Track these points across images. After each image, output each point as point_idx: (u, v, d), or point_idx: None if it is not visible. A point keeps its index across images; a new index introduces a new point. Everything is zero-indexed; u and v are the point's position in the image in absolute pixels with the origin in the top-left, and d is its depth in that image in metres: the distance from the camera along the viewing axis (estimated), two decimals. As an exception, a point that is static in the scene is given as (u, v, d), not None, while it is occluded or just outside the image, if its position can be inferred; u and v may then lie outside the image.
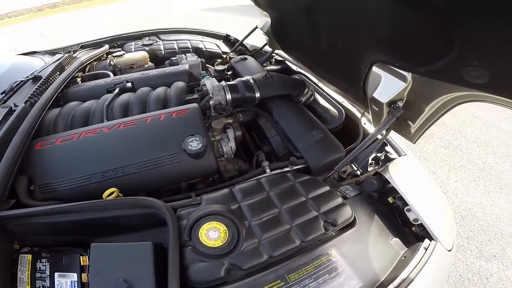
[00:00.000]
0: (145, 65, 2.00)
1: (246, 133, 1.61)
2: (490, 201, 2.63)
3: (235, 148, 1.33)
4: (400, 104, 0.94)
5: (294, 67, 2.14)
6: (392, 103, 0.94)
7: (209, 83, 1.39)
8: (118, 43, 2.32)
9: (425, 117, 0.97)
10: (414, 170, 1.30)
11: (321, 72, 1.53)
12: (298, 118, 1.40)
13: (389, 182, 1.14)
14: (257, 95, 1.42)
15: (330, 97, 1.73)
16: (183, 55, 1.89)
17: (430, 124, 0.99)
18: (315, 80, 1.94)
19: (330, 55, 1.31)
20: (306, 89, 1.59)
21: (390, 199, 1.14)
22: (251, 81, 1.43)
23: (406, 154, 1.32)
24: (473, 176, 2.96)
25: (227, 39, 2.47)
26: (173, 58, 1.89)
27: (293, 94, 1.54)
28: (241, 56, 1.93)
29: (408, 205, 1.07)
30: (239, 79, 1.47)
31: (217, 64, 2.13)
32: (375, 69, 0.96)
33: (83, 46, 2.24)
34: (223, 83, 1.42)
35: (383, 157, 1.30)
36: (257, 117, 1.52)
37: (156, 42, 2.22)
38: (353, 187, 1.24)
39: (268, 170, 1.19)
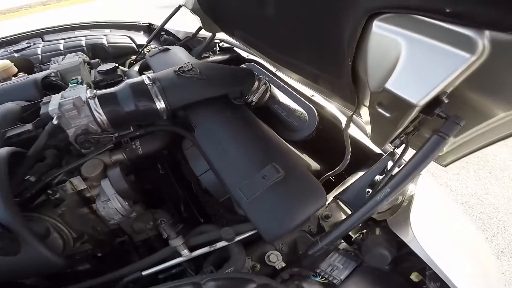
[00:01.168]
0: (13, 78, 1.29)
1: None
2: (484, 190, 2.47)
3: (128, 208, 0.75)
4: (445, 100, 0.40)
5: (245, 54, 1.58)
6: (434, 105, 0.40)
7: (57, 99, 0.75)
8: None
9: (482, 128, 0.46)
10: (439, 204, 0.81)
11: (280, 55, 0.97)
12: (239, 139, 0.82)
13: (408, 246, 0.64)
14: (161, 104, 0.81)
15: (295, 91, 1.20)
16: (60, 57, 1.22)
17: (485, 144, 0.48)
18: (273, 69, 1.40)
19: (288, 23, 0.76)
20: (256, 83, 1.02)
21: (414, 276, 0.63)
22: (148, 81, 0.81)
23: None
24: (461, 162, 2.78)
25: (150, 30, 1.81)
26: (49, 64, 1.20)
27: (231, 94, 0.93)
28: (162, 47, 1.31)
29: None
30: (125, 81, 0.84)
31: (131, 62, 1.48)
32: (379, 27, 0.42)
33: None
34: (88, 93, 0.79)
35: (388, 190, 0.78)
36: (182, 140, 0.92)
37: (34, 45, 1.50)
38: (344, 255, 0.71)
39: (184, 252, 0.66)
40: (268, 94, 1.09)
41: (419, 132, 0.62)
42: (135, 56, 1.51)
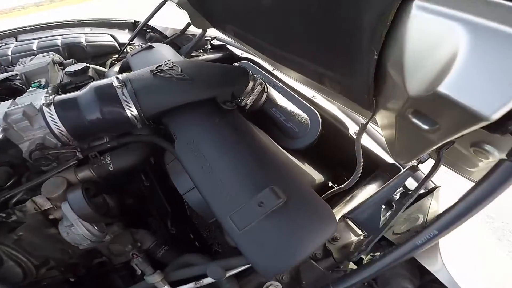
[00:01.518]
0: None
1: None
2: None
3: (98, 233, 0.63)
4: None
5: (239, 52, 1.44)
6: (508, 118, 0.26)
7: (3, 107, 0.62)
8: None
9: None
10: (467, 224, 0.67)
11: (278, 51, 0.83)
12: (228, 154, 0.66)
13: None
14: (132, 110, 0.66)
15: (295, 92, 1.06)
16: (28, 58, 1.07)
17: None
18: (271, 68, 1.27)
19: (288, 8, 0.62)
20: (251, 83, 0.88)
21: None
22: (116, 83, 0.66)
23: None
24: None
25: (136, 27, 1.65)
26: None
27: (220, 98, 0.77)
28: (144, 44, 1.16)
29: None
30: (90, 84, 0.69)
31: (112, 62, 1.34)
32: (422, 9, 0.28)
33: None
34: (43, 99, 0.63)
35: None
36: (165, 151, 0.78)
37: (6, 45, 1.35)
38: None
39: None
40: (264, 96, 0.95)
41: (453, 145, 0.48)
42: (116, 56, 1.36)
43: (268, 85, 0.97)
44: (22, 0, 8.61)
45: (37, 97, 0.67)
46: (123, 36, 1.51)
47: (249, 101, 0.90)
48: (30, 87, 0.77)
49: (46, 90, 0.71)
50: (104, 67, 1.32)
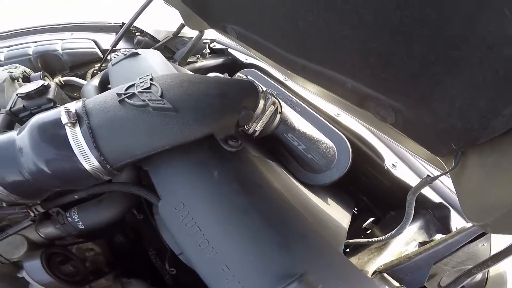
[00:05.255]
0: None
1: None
2: None
3: None
4: None
5: (243, 57, 1.22)
6: None
7: None
8: None
9: None
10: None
11: (303, 61, 0.62)
12: (236, 229, 0.44)
13: None
14: (91, 162, 0.44)
15: (315, 110, 0.84)
16: None
17: None
18: (281, 77, 1.05)
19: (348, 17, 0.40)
20: (261, 102, 0.65)
21: None
22: (66, 119, 0.42)
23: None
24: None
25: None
26: None
27: (219, 134, 0.52)
28: (128, 50, 0.95)
29: None
30: (32, 119, 0.46)
31: (93, 73, 1.13)
32: None
33: None
34: None
35: None
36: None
37: None
38: None
39: None
40: (278, 118, 0.73)
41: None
42: (99, 65, 1.16)
43: (282, 103, 0.75)
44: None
45: None
46: (109, 41, 1.30)
47: (258, 127, 0.68)
48: None
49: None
50: (84, 78, 1.12)
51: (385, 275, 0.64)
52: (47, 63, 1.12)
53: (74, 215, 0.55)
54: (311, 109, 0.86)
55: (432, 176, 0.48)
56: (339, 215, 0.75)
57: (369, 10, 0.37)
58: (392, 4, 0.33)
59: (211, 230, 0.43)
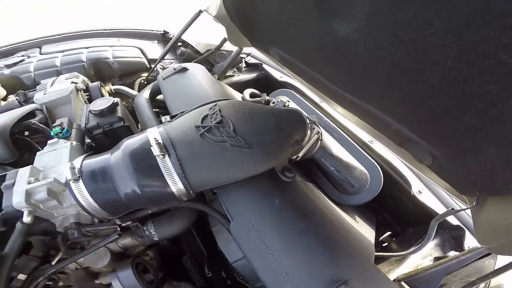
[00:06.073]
0: (2, 103, 1.05)
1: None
2: None
3: None
4: None
5: (278, 74, 1.28)
6: None
7: (23, 182, 0.50)
8: None
9: None
10: None
11: (350, 96, 0.69)
12: (294, 242, 0.55)
13: None
14: (178, 186, 0.53)
15: (349, 135, 0.91)
16: (50, 79, 0.95)
17: None
18: (317, 99, 1.11)
19: (389, 50, 0.47)
20: (308, 132, 0.73)
21: None
22: (158, 151, 0.51)
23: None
24: None
25: (165, 39, 1.51)
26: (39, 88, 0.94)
27: (279, 166, 0.62)
28: (177, 65, 1.03)
29: None
30: (123, 146, 0.56)
31: (141, 83, 1.22)
32: None
33: None
34: (69, 173, 0.51)
35: None
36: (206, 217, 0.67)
37: (29, 58, 1.25)
38: None
39: None
40: (318, 145, 0.80)
41: None
42: (146, 75, 1.24)
43: (323, 131, 0.82)
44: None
45: (60, 157, 0.56)
46: (152, 48, 1.38)
47: (301, 154, 0.75)
48: (52, 133, 0.65)
49: (69, 145, 0.60)
50: (132, 86, 1.20)
51: (403, 283, 0.72)
52: (99, 70, 1.21)
53: (150, 228, 0.64)
54: (346, 134, 0.92)
55: (455, 209, 0.56)
56: (366, 231, 0.83)
57: (436, 73, 0.43)
58: (460, 76, 0.39)
59: (275, 246, 0.53)
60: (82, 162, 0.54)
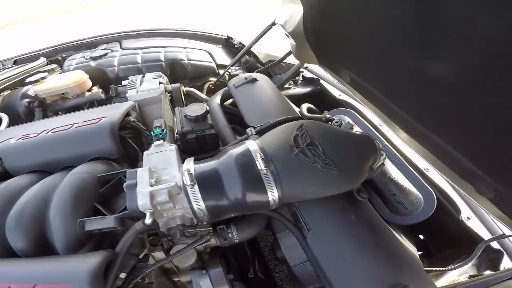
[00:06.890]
0: (86, 93, 1.20)
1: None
2: None
3: None
4: None
5: (336, 92, 1.34)
6: None
7: (145, 184, 0.58)
8: (64, 55, 1.57)
9: None
10: None
11: (420, 127, 0.74)
12: (365, 253, 0.66)
13: None
14: (274, 195, 0.62)
15: (408, 162, 0.97)
16: (138, 77, 1.06)
17: None
18: (377, 121, 1.16)
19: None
20: (379, 159, 0.80)
21: None
22: (262, 166, 0.61)
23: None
24: None
25: (228, 44, 1.62)
26: (124, 83, 1.06)
27: (356, 187, 0.74)
28: (247, 75, 1.13)
29: None
30: (230, 157, 0.65)
31: (209, 87, 1.33)
32: None
33: (17, 62, 1.60)
34: (187, 177, 0.60)
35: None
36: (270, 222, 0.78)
37: (112, 52, 1.40)
38: None
39: None
40: (380, 169, 0.87)
41: None
42: (214, 80, 1.35)
43: (386, 156, 0.88)
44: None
45: (169, 159, 0.65)
46: (218, 53, 1.50)
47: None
48: (153, 133, 0.74)
49: (174, 148, 0.69)
50: (201, 90, 1.32)
51: None
52: (174, 70, 1.33)
53: (233, 231, 0.73)
54: (404, 160, 0.97)
55: (506, 234, 0.60)
56: (411, 246, 0.89)
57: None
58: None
59: (349, 255, 0.64)
60: (195, 168, 0.64)
